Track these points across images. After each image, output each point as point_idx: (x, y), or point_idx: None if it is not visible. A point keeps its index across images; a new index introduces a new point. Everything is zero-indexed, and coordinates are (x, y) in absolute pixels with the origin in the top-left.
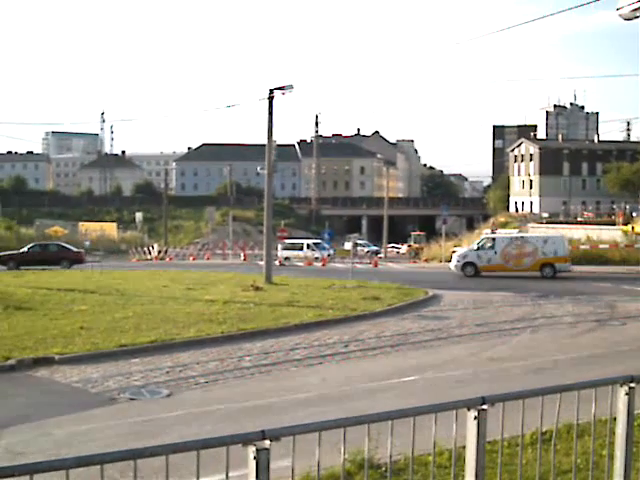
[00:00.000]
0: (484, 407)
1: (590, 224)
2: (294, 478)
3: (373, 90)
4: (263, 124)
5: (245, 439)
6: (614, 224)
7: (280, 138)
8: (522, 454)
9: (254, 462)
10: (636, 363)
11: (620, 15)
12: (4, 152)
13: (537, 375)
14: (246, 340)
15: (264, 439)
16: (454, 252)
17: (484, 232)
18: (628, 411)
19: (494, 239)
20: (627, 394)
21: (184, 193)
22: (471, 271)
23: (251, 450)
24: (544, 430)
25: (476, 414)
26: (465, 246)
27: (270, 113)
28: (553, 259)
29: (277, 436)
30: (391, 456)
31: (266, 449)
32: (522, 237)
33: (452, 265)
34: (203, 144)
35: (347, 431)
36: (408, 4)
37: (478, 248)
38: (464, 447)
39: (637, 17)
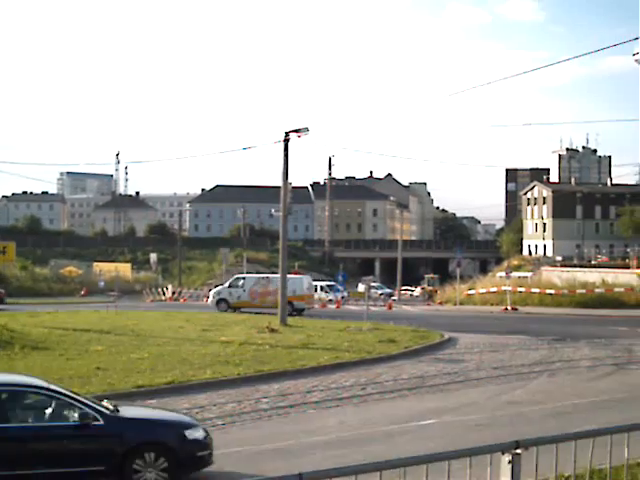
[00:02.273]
0: (518, 451)
1: (604, 267)
2: None
3: (386, 133)
4: (277, 166)
5: None
6: (628, 267)
7: (293, 180)
8: None
9: None
10: None
11: (636, 60)
12: (19, 192)
13: (556, 419)
14: (263, 382)
15: None
16: (210, 290)
17: (497, 275)
18: None
19: (244, 278)
20: None
21: (197, 234)
22: (224, 307)
23: None
24: (577, 473)
25: (510, 458)
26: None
27: (286, 155)
28: (292, 298)
29: (314, 479)
30: None
31: None
32: (267, 277)
33: (209, 301)
34: (217, 185)
35: (375, 475)
36: (422, 49)
37: (230, 286)
38: None
39: None
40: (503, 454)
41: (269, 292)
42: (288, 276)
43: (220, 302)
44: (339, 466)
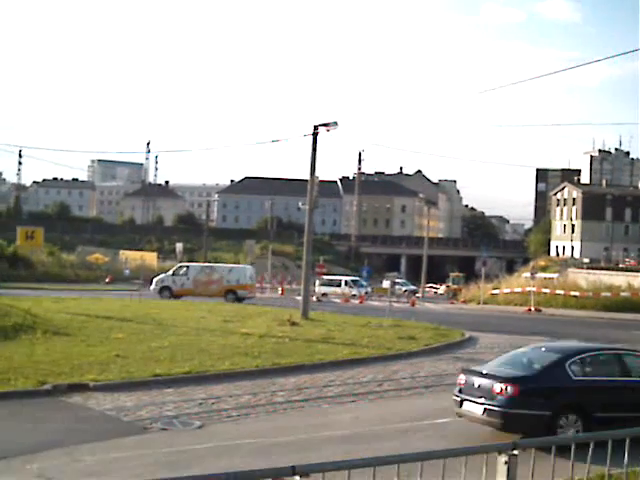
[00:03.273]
0: (515, 452)
1: (632, 271)
2: None
3: (416, 130)
4: (306, 159)
5: (276, 474)
6: None
7: (322, 174)
8: None
9: None
10: None
11: None
12: (50, 178)
13: None
14: (280, 375)
15: (294, 474)
16: (154, 277)
17: (523, 275)
18: None
19: (188, 267)
20: None
21: (225, 225)
22: (167, 294)
23: None
24: (576, 479)
25: (506, 459)
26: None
27: (314, 149)
28: (236, 286)
29: (307, 472)
30: None
31: None
32: (211, 266)
33: (152, 288)
34: (246, 177)
35: (377, 471)
36: (455, 47)
37: (174, 274)
38: None
39: None
40: (499, 454)
41: (213, 281)
42: (233, 266)
43: (163, 290)
44: (335, 460)
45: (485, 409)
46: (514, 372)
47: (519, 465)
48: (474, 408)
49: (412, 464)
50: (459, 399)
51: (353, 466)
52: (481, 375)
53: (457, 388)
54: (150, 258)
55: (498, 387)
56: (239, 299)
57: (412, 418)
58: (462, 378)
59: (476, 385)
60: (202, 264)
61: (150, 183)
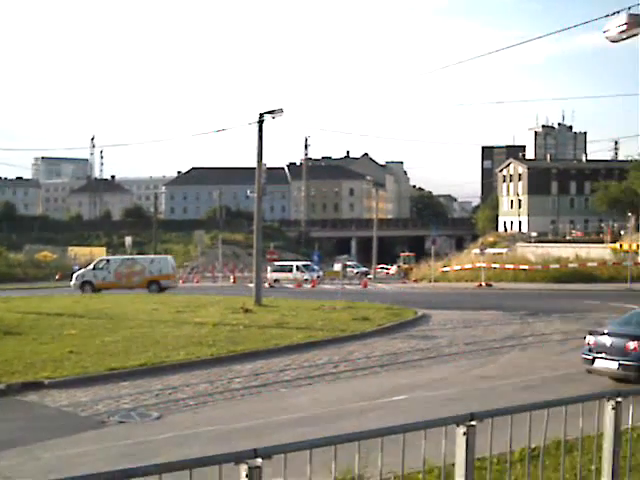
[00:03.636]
0: (473, 423)
1: (578, 243)
2: None
3: (362, 113)
4: (252, 148)
5: (237, 457)
6: (602, 242)
7: (269, 161)
8: (510, 471)
9: None
10: None
11: (607, 37)
12: None
13: (526, 392)
14: (236, 362)
15: (256, 457)
16: (73, 273)
17: (472, 252)
18: (615, 425)
19: (108, 260)
20: (614, 409)
21: (173, 217)
22: (89, 289)
23: (243, 469)
24: (533, 446)
25: (465, 430)
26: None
27: (260, 137)
28: (158, 277)
29: (269, 454)
30: (381, 473)
31: (258, 467)
32: (132, 258)
33: (72, 283)
34: (192, 168)
35: (337, 450)
36: (395, 28)
37: (94, 268)
38: (454, 464)
39: (623, 39)
40: (458, 426)
41: (135, 273)
42: (155, 256)
43: (85, 284)
44: (296, 441)
45: (620, 364)
46: None
47: (477, 435)
48: (608, 364)
49: (372, 440)
50: (590, 357)
51: (314, 445)
52: (611, 335)
53: (586, 348)
54: (99, 253)
55: (632, 345)
56: (162, 289)
57: (370, 397)
58: (591, 339)
59: (608, 344)
60: (123, 256)
61: (96, 178)
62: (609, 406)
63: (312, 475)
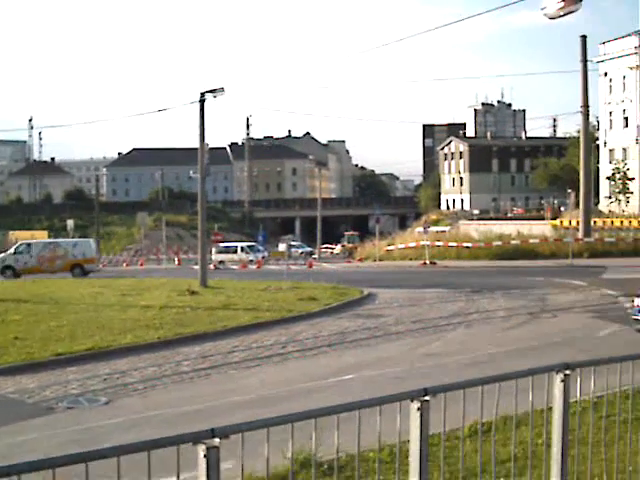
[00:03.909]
0: (426, 398)
1: (520, 219)
2: (243, 477)
3: (303, 91)
4: (194, 128)
5: (195, 438)
6: (543, 219)
7: (211, 141)
8: (463, 445)
9: (204, 461)
10: (568, 353)
11: (545, 14)
12: None
13: (473, 368)
14: (184, 345)
15: (214, 437)
16: None
17: (416, 230)
18: (564, 398)
19: (29, 244)
20: (563, 381)
21: (115, 199)
22: (10, 274)
23: (201, 449)
24: (484, 421)
25: (419, 405)
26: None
27: (202, 116)
28: (82, 260)
29: (226, 434)
30: (338, 451)
31: (216, 447)
32: (55, 242)
33: None
34: (133, 149)
35: (287, 430)
36: (336, 6)
37: (15, 252)
38: (406, 442)
39: (561, 16)
40: (412, 402)
41: (58, 257)
42: (77, 240)
43: (5, 270)
44: (253, 420)
45: None
46: None
47: (431, 410)
48: None
49: (328, 418)
50: None
51: (271, 424)
52: None
53: (635, 309)
54: (41, 237)
55: None
56: (85, 273)
57: (318, 377)
58: (638, 301)
59: None
60: (45, 240)
61: (35, 160)
62: (558, 379)
63: (262, 457)
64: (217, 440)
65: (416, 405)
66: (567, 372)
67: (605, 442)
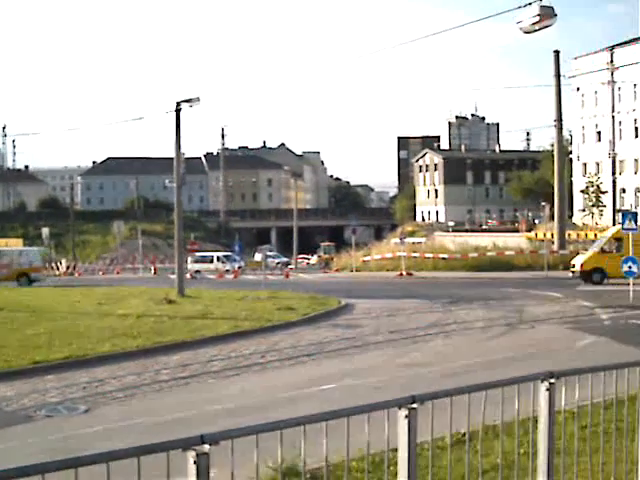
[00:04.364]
0: (414, 406)
1: (495, 232)
2: None
3: (279, 102)
4: (169, 137)
5: (185, 444)
6: (517, 231)
7: (187, 151)
8: (451, 453)
9: (194, 467)
10: (546, 364)
11: (520, 28)
12: None
13: (452, 379)
14: (162, 353)
15: (203, 443)
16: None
17: (392, 241)
18: (549, 406)
19: None
20: (548, 389)
21: (90, 207)
22: None
23: (191, 455)
24: (470, 430)
25: (407, 413)
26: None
27: (178, 126)
28: (28, 269)
29: (216, 440)
30: (327, 458)
31: (206, 454)
32: (0, 250)
33: None
34: (108, 158)
35: (272, 437)
36: (313, 18)
37: None
38: (393, 450)
39: (536, 30)
40: (400, 409)
41: (3, 265)
42: (23, 249)
43: None
44: (242, 426)
45: None
46: None
47: (419, 418)
48: None
49: (316, 425)
50: None
51: (261, 430)
52: None
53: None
54: (16, 244)
55: None
56: (32, 281)
57: (298, 386)
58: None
59: None
60: None
61: (9, 168)
62: (543, 387)
63: (251, 464)
64: (207, 446)
65: (404, 412)
66: (552, 380)
67: (590, 452)
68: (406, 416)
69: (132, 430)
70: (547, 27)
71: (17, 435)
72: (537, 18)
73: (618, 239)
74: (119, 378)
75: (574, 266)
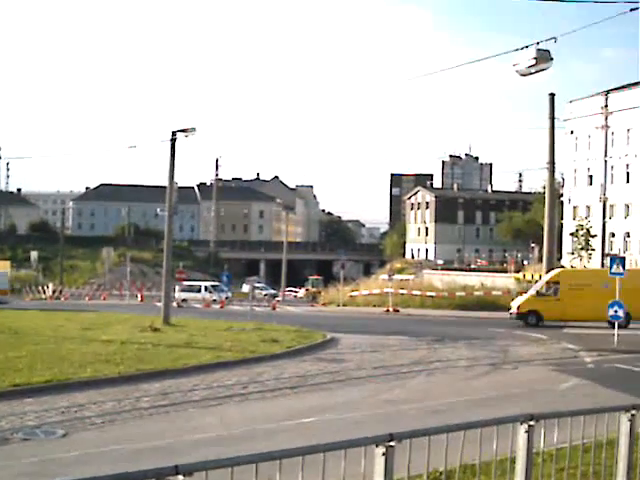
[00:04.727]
0: (392, 444)
1: (483, 271)
2: None
3: (273, 135)
4: (163, 165)
5: (158, 474)
6: (506, 272)
7: (180, 180)
8: None
9: None
10: (528, 405)
11: (517, 71)
12: None
13: (434, 417)
14: (144, 381)
15: (177, 474)
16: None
17: (380, 277)
18: (527, 448)
19: None
20: (527, 432)
21: (81, 233)
22: None
23: None
24: (443, 469)
25: (384, 450)
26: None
27: (172, 155)
28: None
29: (190, 471)
30: None
31: None
32: None
33: None
34: (101, 184)
35: (259, 467)
36: (308, 51)
37: None
38: None
39: (532, 73)
40: (377, 447)
41: None
42: None
43: None
44: (218, 458)
45: None
46: None
47: (396, 456)
48: None
49: (293, 459)
50: None
51: (236, 463)
52: None
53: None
54: (3, 267)
55: None
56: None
57: (278, 419)
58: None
59: None
60: None
61: (1, 191)
62: (522, 429)
63: None
64: (181, 477)
65: (381, 450)
66: (531, 423)
67: None
68: (383, 454)
69: (109, 456)
70: (543, 70)
71: None
72: (533, 61)
73: (555, 283)
74: (99, 404)
75: (512, 307)
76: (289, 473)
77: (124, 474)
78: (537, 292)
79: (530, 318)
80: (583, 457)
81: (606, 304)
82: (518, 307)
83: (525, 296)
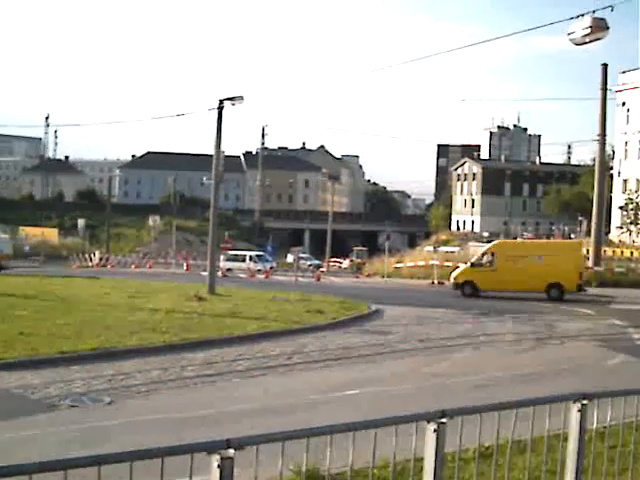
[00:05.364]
0: (443, 420)
1: None
2: None
3: (320, 104)
4: (209, 134)
5: (210, 447)
6: None
7: (226, 149)
8: (478, 466)
9: (218, 471)
10: (575, 381)
11: (571, 40)
12: None
13: (478, 392)
14: (189, 350)
15: (229, 448)
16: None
17: (425, 249)
18: (580, 427)
19: None
20: (579, 411)
21: (127, 201)
22: None
23: (215, 459)
24: (488, 444)
25: (436, 427)
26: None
27: (219, 123)
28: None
29: (242, 445)
30: (352, 468)
31: (230, 458)
32: None
33: None
34: (148, 152)
35: (293, 444)
36: (360, 21)
37: None
38: (418, 460)
39: (587, 42)
40: (428, 423)
41: None
42: None
43: None
44: (269, 432)
45: None
46: None
47: (448, 432)
48: None
49: (343, 435)
50: None
51: (288, 437)
52: None
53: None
54: (51, 234)
55: None
56: (1, 269)
57: (322, 390)
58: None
59: None
60: None
61: (49, 158)
62: (575, 408)
63: (273, 467)
64: (232, 451)
65: (433, 427)
66: (584, 402)
67: (618, 472)
68: (435, 430)
69: (155, 425)
70: (598, 39)
71: (41, 423)
72: (589, 30)
73: (492, 254)
74: (144, 372)
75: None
76: (338, 444)
77: (176, 447)
78: (472, 263)
79: (466, 288)
80: (636, 435)
81: (540, 275)
82: (455, 278)
83: (461, 267)
